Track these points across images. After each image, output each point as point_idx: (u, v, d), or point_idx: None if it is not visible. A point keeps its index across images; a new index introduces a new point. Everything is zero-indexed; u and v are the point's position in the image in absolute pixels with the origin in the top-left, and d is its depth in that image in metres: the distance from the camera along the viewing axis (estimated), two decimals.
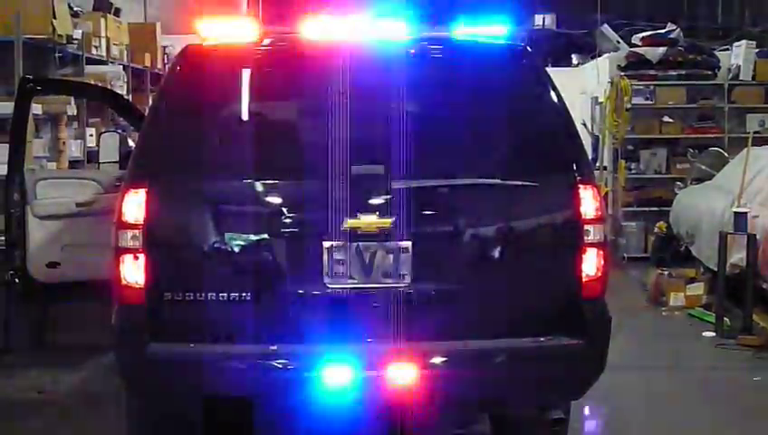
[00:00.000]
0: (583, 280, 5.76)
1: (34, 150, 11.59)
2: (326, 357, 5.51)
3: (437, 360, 5.67)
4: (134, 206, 5.58)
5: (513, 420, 6.87)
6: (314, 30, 6.17)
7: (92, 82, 13.00)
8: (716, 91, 16.97)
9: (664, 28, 17.58)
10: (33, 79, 9.85)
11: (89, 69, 13.84)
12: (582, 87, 18.35)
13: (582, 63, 20.75)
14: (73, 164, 13.11)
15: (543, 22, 25.61)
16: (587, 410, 6.72)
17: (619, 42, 18.37)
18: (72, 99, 12.85)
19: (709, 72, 16.97)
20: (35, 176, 9.51)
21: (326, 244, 5.60)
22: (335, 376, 5.49)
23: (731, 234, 11.27)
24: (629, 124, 16.65)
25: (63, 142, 12.85)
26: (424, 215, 5.72)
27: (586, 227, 5.74)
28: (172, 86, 6.11)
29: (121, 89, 14.37)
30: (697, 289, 12.63)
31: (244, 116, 6.20)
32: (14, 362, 9.48)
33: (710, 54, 17.24)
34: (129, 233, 5.58)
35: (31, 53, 12.27)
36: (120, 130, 11.74)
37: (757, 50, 17.08)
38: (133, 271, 5.59)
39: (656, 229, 15.54)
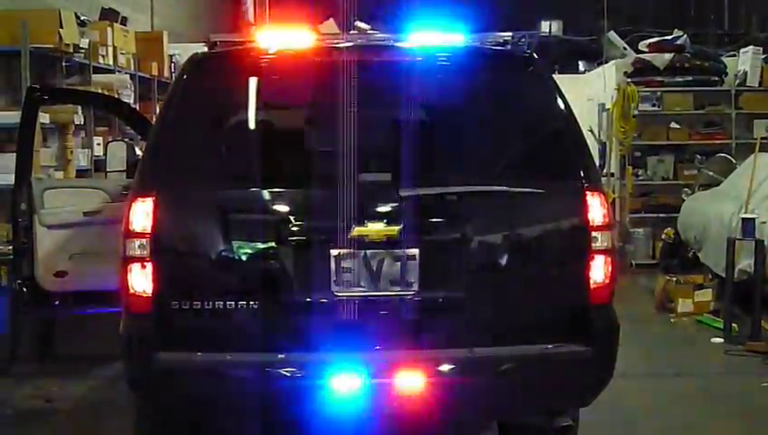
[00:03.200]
0: (591, 287, 5.75)
1: (42, 160, 11.61)
2: (334, 365, 5.51)
3: (445, 367, 5.66)
4: (142, 214, 5.59)
5: (520, 427, 6.86)
6: (321, 38, 6.19)
7: (99, 91, 13.01)
8: (723, 98, 16.97)
9: (671, 34, 17.58)
10: (41, 88, 9.87)
11: (96, 78, 13.86)
12: (589, 94, 18.34)
13: (589, 70, 20.76)
14: (81, 173, 13.12)
15: (550, 28, 25.63)
16: (595, 418, 6.69)
17: (625, 48, 18.36)
18: (80, 108, 12.86)
19: (716, 79, 16.98)
20: (43, 185, 9.52)
21: (334, 252, 5.60)
22: (343, 384, 5.49)
23: (739, 240, 11.26)
24: (636, 131, 16.66)
25: (71, 151, 12.86)
26: (431, 222, 5.72)
27: (593, 233, 5.74)
28: (179, 94, 6.11)
29: (128, 98, 14.38)
30: (705, 295, 12.61)
31: (252, 124, 6.21)
32: (22, 371, 9.49)
33: (717, 60, 17.24)
34: (137, 242, 5.59)
35: (38, 63, 12.29)
36: (127, 139, 11.73)
37: (764, 56, 17.10)
38: (141, 280, 5.59)
39: (663, 236, 15.53)
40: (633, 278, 15.19)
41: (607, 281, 5.79)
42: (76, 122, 12.99)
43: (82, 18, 13.88)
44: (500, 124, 6.06)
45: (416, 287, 5.63)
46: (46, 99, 9.93)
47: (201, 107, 6.03)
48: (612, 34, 19.05)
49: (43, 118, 11.20)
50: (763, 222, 11.19)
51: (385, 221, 5.56)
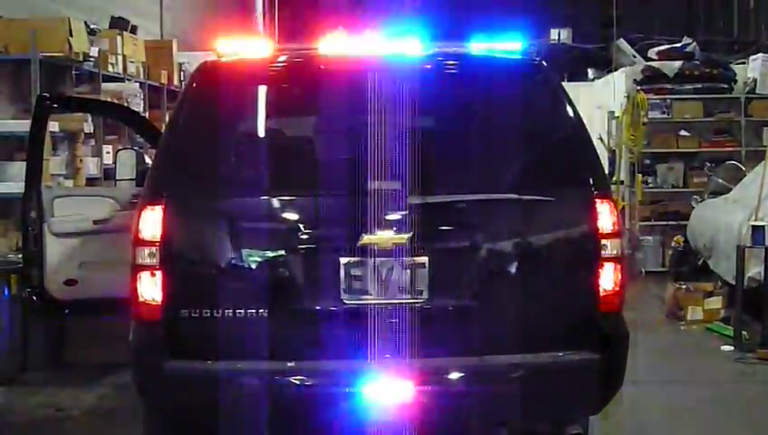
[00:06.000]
0: (601, 294, 5.75)
1: (52, 168, 11.63)
2: (344, 373, 5.52)
3: (455, 376, 5.66)
4: (151, 222, 5.60)
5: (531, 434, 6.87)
6: (330, 46, 6.19)
7: (109, 100, 13.02)
8: (733, 105, 16.97)
9: (680, 42, 17.58)
10: (50, 97, 9.88)
11: (105, 86, 13.87)
12: (598, 101, 18.32)
13: (598, 78, 20.73)
14: (90, 181, 13.13)
15: (559, 36, 25.62)
16: (605, 426, 6.69)
17: (635, 56, 18.37)
18: (89, 116, 12.87)
19: (725, 86, 16.98)
20: (53, 193, 9.52)
21: (343, 260, 5.60)
22: (352, 392, 5.49)
23: (749, 247, 11.24)
24: (646, 138, 16.65)
25: (80, 160, 12.87)
26: (440, 230, 5.72)
27: (603, 241, 5.73)
28: (188, 103, 6.13)
29: (138, 106, 14.39)
30: (715, 303, 12.59)
31: (261, 132, 6.22)
32: (32, 380, 9.50)
33: (726, 68, 17.23)
34: (146, 250, 5.59)
35: (47, 71, 12.31)
36: (136, 148, 11.75)
37: None
38: (150, 288, 5.60)
39: (673, 243, 15.51)
40: (643, 286, 15.16)
41: (617, 288, 5.79)
42: (86, 131, 13.00)
43: (92, 27, 13.90)
44: (509, 132, 6.06)
45: (425, 295, 5.63)
46: (56, 107, 9.94)
47: (210, 115, 6.03)
48: (621, 42, 19.06)
49: (53, 126, 11.21)
50: None
51: (394, 229, 5.56)
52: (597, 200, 5.78)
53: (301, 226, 5.69)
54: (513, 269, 5.84)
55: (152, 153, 9.56)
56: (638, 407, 8.20)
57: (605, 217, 5.76)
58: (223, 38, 6.21)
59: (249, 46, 6.29)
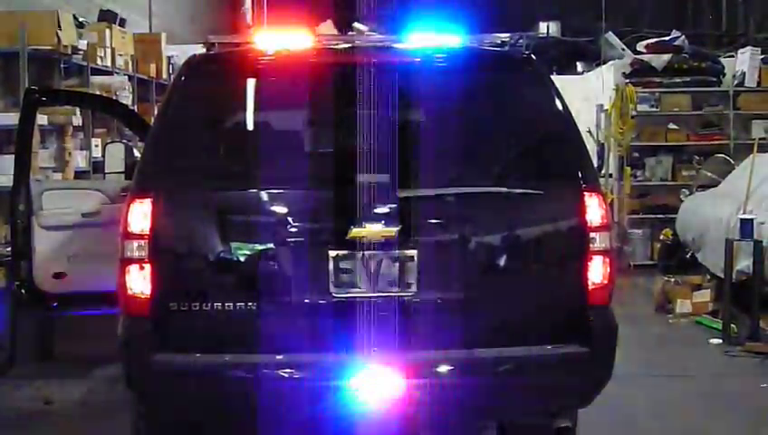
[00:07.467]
0: (589, 288, 5.76)
1: (40, 161, 11.61)
2: (332, 366, 5.52)
3: (444, 369, 5.66)
4: (140, 216, 5.59)
5: (519, 428, 6.86)
6: (319, 39, 6.19)
7: (98, 93, 13.00)
8: (722, 98, 16.99)
9: (669, 35, 17.59)
10: (39, 90, 9.84)
11: (94, 79, 13.84)
12: (587, 94, 18.34)
13: (587, 71, 20.74)
14: (79, 175, 13.10)
15: (548, 29, 25.65)
16: (594, 419, 6.69)
17: (623, 49, 18.38)
18: (78, 109, 12.84)
19: (714, 79, 16.99)
20: (41, 186, 9.51)
21: (332, 253, 5.60)
22: (341, 385, 5.49)
23: (737, 240, 11.27)
24: (635, 131, 16.67)
25: (69, 153, 12.84)
26: (430, 224, 5.71)
27: (592, 234, 5.74)
28: (177, 96, 6.11)
29: (127, 99, 14.36)
30: (704, 296, 12.61)
31: (250, 125, 6.22)
32: (21, 373, 9.49)
33: (715, 61, 17.25)
34: (135, 243, 5.58)
35: (36, 64, 12.29)
36: (125, 141, 11.73)
37: (762, 56, 17.10)
38: (139, 281, 5.59)
39: (662, 236, 15.52)
40: (632, 279, 15.18)
41: (605, 282, 5.80)
42: (74, 124, 12.97)
43: (81, 20, 13.87)
44: (498, 125, 6.06)
45: (414, 288, 5.63)
46: (44, 100, 9.92)
47: (199, 108, 6.03)
48: (610, 35, 19.07)
49: (42, 119, 11.19)
50: (762, 223, 11.20)
51: (383, 222, 5.56)
52: (585, 193, 5.78)
53: (289, 219, 5.68)
54: (501, 262, 5.84)
55: (141, 146, 9.53)
56: (626, 400, 8.21)
57: (594, 210, 5.76)
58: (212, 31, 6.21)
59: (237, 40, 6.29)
